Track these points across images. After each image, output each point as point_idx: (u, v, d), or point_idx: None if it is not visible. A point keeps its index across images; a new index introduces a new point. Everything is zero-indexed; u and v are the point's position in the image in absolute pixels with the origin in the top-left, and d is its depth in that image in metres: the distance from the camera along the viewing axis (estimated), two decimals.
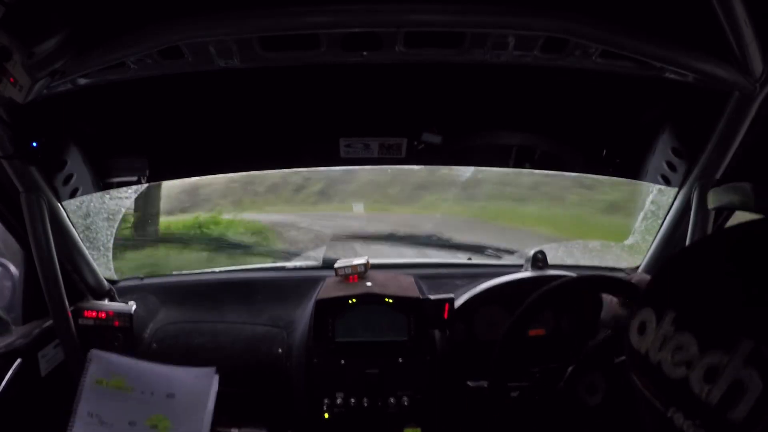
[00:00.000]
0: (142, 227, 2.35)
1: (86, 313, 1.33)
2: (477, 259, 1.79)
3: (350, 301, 1.35)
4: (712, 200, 1.04)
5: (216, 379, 1.27)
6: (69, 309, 1.26)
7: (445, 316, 1.32)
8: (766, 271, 0.37)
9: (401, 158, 1.34)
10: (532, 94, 1.20)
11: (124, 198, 1.56)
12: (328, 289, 1.42)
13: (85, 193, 1.30)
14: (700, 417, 0.37)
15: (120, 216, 1.59)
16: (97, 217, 1.51)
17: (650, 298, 0.45)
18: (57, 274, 1.21)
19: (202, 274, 1.66)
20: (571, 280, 1.08)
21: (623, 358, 1.03)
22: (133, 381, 1.23)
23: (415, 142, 1.30)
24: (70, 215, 1.31)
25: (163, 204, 2.55)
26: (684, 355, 0.39)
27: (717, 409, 0.36)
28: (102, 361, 1.24)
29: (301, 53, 0.94)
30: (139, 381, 1.24)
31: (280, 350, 1.40)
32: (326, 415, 1.32)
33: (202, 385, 1.26)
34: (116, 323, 1.35)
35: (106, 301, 1.42)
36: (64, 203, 1.26)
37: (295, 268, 1.70)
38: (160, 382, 1.25)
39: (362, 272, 1.45)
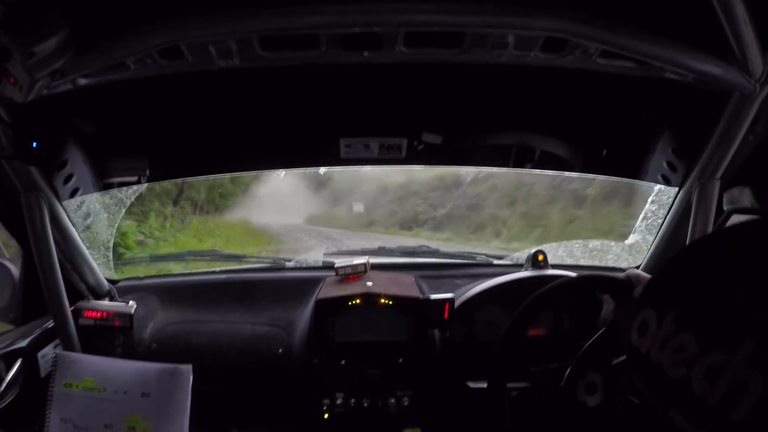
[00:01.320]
0: None
1: (86, 313, 1.33)
2: (477, 260, 1.78)
3: (350, 302, 1.35)
4: (728, 202, 1.05)
5: (190, 376, 1.21)
6: (69, 309, 1.26)
7: (445, 316, 1.32)
8: (766, 271, 0.37)
9: (401, 158, 1.34)
10: (532, 94, 1.20)
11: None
12: (328, 289, 1.42)
13: (85, 193, 1.30)
14: (700, 417, 0.37)
15: (120, 216, 1.59)
16: (97, 217, 1.51)
17: (651, 298, 0.45)
18: (57, 274, 1.20)
19: (203, 274, 1.65)
20: (567, 281, 1.07)
21: (623, 358, 1.03)
22: (104, 381, 1.18)
23: (415, 142, 1.30)
24: (70, 215, 1.31)
25: None
26: (685, 355, 0.39)
27: (718, 409, 0.36)
28: (67, 363, 1.18)
29: (301, 53, 0.94)
30: (110, 381, 1.18)
31: (280, 350, 1.40)
32: (326, 416, 1.32)
33: (177, 382, 1.20)
34: (116, 323, 1.35)
35: (106, 301, 1.42)
36: (64, 203, 1.26)
37: (295, 268, 1.70)
38: (133, 380, 1.19)
39: (362, 272, 1.45)
